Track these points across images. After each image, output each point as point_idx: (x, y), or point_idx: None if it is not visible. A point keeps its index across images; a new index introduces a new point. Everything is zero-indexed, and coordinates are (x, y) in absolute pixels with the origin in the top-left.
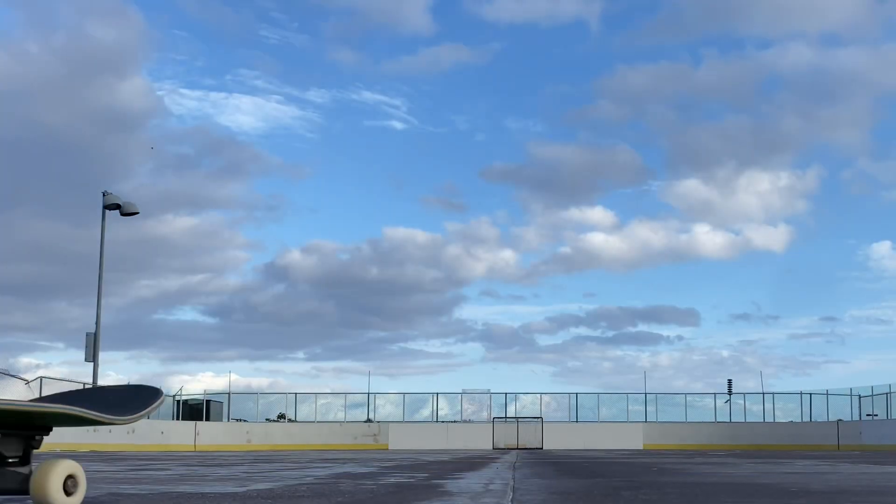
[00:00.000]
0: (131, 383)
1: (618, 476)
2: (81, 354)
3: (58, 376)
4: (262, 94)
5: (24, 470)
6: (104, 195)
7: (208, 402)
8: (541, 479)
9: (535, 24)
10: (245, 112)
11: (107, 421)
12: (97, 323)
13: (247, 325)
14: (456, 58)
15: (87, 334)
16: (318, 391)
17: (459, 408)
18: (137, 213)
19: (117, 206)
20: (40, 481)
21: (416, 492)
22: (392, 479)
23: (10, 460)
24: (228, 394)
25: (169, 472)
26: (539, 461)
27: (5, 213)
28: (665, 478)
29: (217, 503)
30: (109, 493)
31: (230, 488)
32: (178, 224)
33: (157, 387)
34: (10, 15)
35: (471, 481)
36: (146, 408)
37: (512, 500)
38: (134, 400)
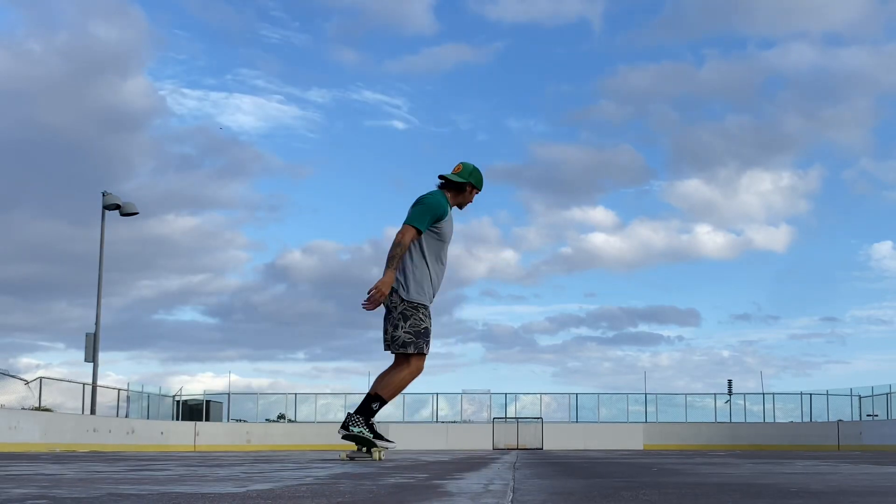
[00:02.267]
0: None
1: (618, 476)
2: (81, 354)
3: (58, 376)
4: (263, 93)
5: None
6: (104, 195)
7: (208, 402)
8: (541, 479)
9: (538, 24)
10: (246, 112)
11: None
12: (97, 323)
13: (247, 325)
14: (458, 57)
15: (87, 334)
16: (318, 391)
17: (459, 408)
18: (137, 213)
19: (117, 207)
20: None
21: (417, 492)
22: (392, 480)
23: None
24: (228, 394)
25: (168, 473)
26: (539, 462)
27: (5, 213)
28: (665, 478)
29: (216, 503)
30: (109, 493)
31: (230, 488)
32: (180, 224)
33: None
34: (11, 14)
35: (471, 481)
36: None
37: (512, 501)
38: None
